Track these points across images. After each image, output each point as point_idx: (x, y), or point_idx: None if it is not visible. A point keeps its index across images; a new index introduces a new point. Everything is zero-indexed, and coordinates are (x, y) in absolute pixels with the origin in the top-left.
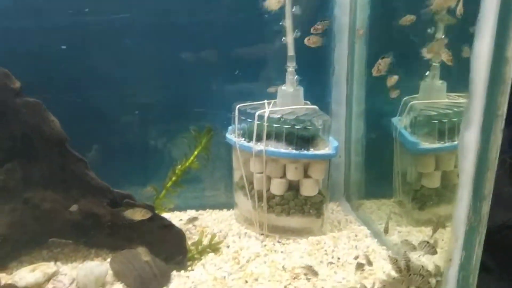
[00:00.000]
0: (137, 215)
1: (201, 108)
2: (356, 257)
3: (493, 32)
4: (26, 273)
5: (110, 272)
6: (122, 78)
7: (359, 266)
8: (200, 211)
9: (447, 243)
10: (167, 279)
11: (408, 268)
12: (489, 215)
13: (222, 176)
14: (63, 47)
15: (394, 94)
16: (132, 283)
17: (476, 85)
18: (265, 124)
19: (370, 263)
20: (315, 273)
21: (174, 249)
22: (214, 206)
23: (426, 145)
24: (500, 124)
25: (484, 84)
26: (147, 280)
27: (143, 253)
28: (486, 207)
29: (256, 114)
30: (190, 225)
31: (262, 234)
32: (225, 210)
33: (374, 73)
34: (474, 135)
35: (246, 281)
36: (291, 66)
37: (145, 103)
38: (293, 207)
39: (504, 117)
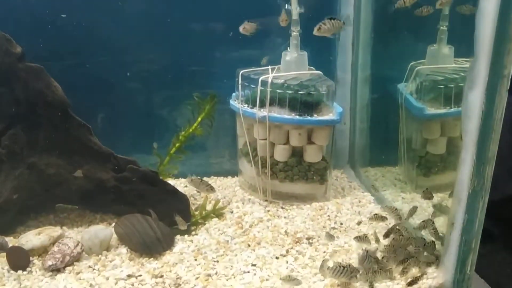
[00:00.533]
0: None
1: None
2: (359, 223)
3: None
4: (32, 236)
5: (115, 236)
6: (126, 45)
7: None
8: (205, 178)
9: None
10: (171, 242)
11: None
12: (501, 185)
13: (227, 143)
14: (63, 15)
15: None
16: (135, 247)
17: (481, 43)
18: (268, 89)
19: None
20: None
21: (178, 214)
22: (218, 173)
23: (432, 110)
24: (506, 85)
25: (490, 43)
26: (150, 243)
27: (153, 216)
28: (490, 171)
29: (260, 79)
30: (195, 191)
31: (266, 200)
32: (229, 177)
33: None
34: (478, 95)
35: (249, 245)
36: (295, 31)
37: (149, 70)
38: (296, 173)
39: (510, 77)
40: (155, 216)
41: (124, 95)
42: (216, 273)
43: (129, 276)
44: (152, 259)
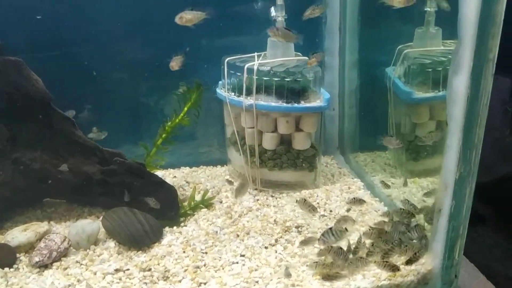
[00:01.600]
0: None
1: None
2: (348, 210)
3: None
4: (18, 233)
5: (103, 230)
6: (109, 36)
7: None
8: (194, 168)
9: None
10: (159, 235)
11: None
12: (491, 167)
13: (215, 132)
14: (38, 17)
15: None
16: (123, 240)
17: (465, 27)
18: (254, 77)
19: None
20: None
21: (166, 205)
22: (208, 163)
23: (420, 94)
24: (491, 69)
25: (474, 26)
26: (138, 236)
27: (151, 203)
28: (476, 156)
29: (245, 67)
30: (183, 182)
31: (256, 189)
32: (219, 167)
33: None
34: (463, 80)
35: (238, 235)
36: (280, 16)
37: (133, 60)
38: (285, 161)
39: (495, 61)
40: (155, 201)
41: (109, 86)
42: (204, 265)
43: (117, 270)
44: (140, 252)
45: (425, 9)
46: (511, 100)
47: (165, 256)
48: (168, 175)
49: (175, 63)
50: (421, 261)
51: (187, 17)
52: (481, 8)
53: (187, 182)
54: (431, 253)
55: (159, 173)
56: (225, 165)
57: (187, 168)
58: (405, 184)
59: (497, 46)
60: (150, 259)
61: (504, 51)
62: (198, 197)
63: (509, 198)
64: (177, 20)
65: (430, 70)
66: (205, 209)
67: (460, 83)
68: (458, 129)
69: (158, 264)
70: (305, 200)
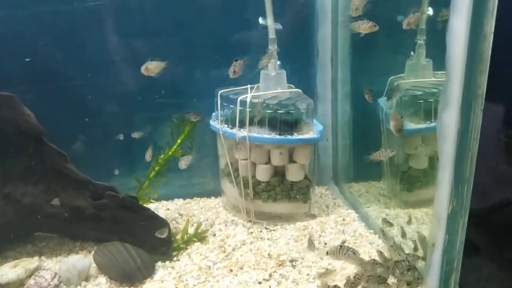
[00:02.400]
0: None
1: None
2: (343, 242)
3: (469, 6)
4: (8, 270)
5: (94, 265)
6: (104, 68)
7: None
8: (187, 200)
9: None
10: (151, 270)
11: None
12: (487, 194)
13: (209, 164)
14: (27, 59)
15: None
16: (115, 276)
17: (453, 63)
18: (247, 109)
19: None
20: None
21: (158, 240)
22: (201, 194)
23: (412, 125)
24: (480, 104)
25: (462, 63)
26: (130, 272)
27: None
28: (468, 190)
29: (238, 99)
30: (177, 215)
31: (250, 221)
32: (212, 198)
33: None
34: (453, 115)
35: (231, 270)
36: (272, 49)
37: (128, 93)
38: (279, 192)
39: (484, 96)
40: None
41: (103, 119)
42: None
43: None
44: None
45: (415, 40)
46: (504, 128)
47: None
48: (161, 207)
49: (236, 69)
50: None
51: (150, 67)
52: (468, 45)
53: (180, 214)
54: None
55: (152, 205)
56: (219, 197)
57: (181, 199)
58: (409, 221)
59: (485, 82)
60: None
61: (496, 80)
62: (191, 230)
63: (504, 225)
64: (143, 70)
65: (421, 101)
66: (198, 243)
67: (450, 119)
68: (449, 163)
69: None
70: (341, 246)
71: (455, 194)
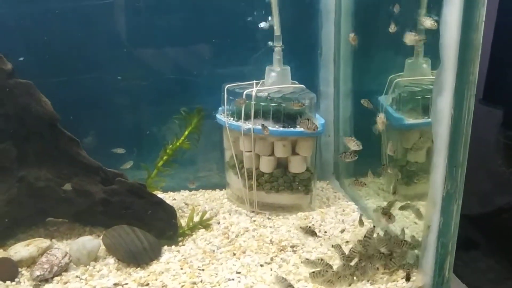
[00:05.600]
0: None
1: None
2: (342, 231)
3: None
4: (21, 247)
5: (103, 247)
6: (115, 62)
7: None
8: (193, 191)
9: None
10: (157, 252)
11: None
12: (488, 198)
13: (215, 157)
14: (21, 58)
15: None
16: (123, 257)
17: (446, 51)
18: (253, 103)
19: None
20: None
21: (165, 225)
22: (207, 187)
23: (410, 120)
24: (473, 90)
25: (455, 51)
26: (137, 254)
27: None
28: (462, 174)
29: (244, 93)
30: (183, 204)
31: (253, 212)
32: (217, 190)
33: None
34: (447, 100)
35: (234, 254)
36: (277, 46)
37: (138, 87)
38: (281, 184)
39: (476, 83)
40: None
41: (114, 112)
42: (201, 281)
43: (116, 284)
44: (139, 268)
45: None
46: (502, 130)
47: (163, 272)
48: (168, 198)
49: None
50: (412, 277)
51: None
52: (461, 33)
53: (186, 204)
54: (421, 270)
55: (160, 195)
56: (223, 189)
57: (187, 191)
58: (405, 207)
59: (477, 69)
60: (148, 275)
61: (494, 83)
62: (196, 218)
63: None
64: None
65: (419, 97)
66: (203, 230)
67: (443, 104)
68: (443, 147)
69: (156, 280)
70: (309, 227)
71: (450, 177)
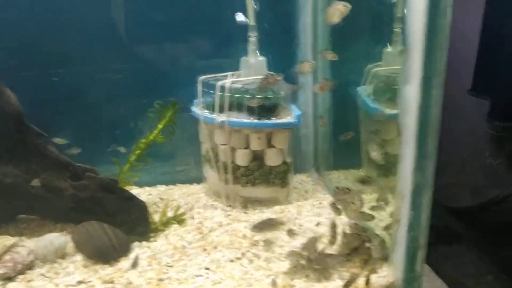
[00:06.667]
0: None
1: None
2: (317, 224)
3: None
4: None
5: (72, 244)
6: (89, 55)
7: None
8: (170, 186)
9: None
10: (126, 249)
11: None
12: (475, 190)
13: (192, 151)
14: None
15: None
16: (91, 254)
17: (413, 38)
18: (226, 94)
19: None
20: None
21: (136, 221)
22: (184, 181)
23: (388, 111)
24: (440, 79)
25: (421, 38)
26: (105, 250)
27: None
28: (431, 166)
29: (218, 85)
30: (158, 199)
31: (230, 206)
32: (195, 184)
33: None
34: (414, 90)
35: (205, 249)
36: (252, 36)
37: (111, 79)
38: (258, 177)
39: (445, 72)
40: None
41: (87, 105)
42: (168, 278)
43: (80, 282)
44: (107, 265)
45: (393, 29)
46: (489, 122)
47: (130, 269)
48: (143, 193)
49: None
50: (383, 273)
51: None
52: (427, 19)
53: (161, 199)
54: (392, 265)
55: (135, 191)
56: (201, 183)
57: (163, 186)
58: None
59: (445, 57)
60: (114, 272)
61: (482, 74)
62: (171, 214)
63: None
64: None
65: (397, 87)
66: (177, 225)
67: (410, 93)
68: (412, 138)
69: (122, 277)
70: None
71: (419, 169)
